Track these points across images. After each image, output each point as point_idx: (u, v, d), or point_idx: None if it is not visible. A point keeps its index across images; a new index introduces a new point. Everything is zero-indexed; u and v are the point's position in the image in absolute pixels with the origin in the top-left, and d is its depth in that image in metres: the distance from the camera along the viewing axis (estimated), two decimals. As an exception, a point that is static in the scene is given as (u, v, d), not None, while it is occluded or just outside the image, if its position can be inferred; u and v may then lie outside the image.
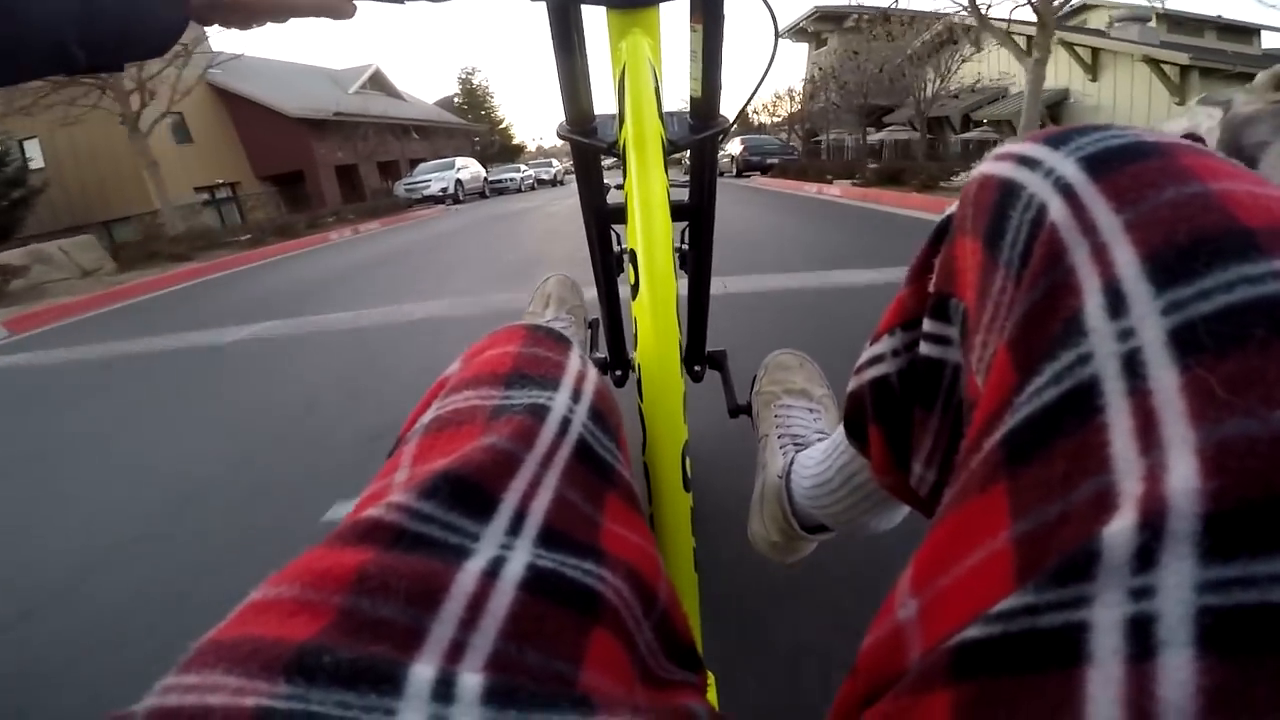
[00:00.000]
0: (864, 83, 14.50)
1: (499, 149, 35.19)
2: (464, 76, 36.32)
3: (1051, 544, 0.15)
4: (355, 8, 0.55)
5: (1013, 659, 0.14)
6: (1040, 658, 0.14)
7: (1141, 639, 0.13)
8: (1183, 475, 0.13)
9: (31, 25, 0.40)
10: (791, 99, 22.98)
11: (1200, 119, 0.99)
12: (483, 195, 17.29)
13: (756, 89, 0.77)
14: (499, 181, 19.06)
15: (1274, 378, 0.13)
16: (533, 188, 20.43)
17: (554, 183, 21.90)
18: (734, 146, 15.58)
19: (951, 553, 0.18)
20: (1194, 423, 0.14)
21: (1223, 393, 0.14)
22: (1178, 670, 0.12)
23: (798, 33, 24.63)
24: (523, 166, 22.12)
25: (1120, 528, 0.13)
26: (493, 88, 43.26)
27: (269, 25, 0.55)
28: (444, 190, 15.05)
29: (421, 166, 16.59)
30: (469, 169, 16.64)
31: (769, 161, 14.46)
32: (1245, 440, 0.13)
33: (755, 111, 24.27)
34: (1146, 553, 0.13)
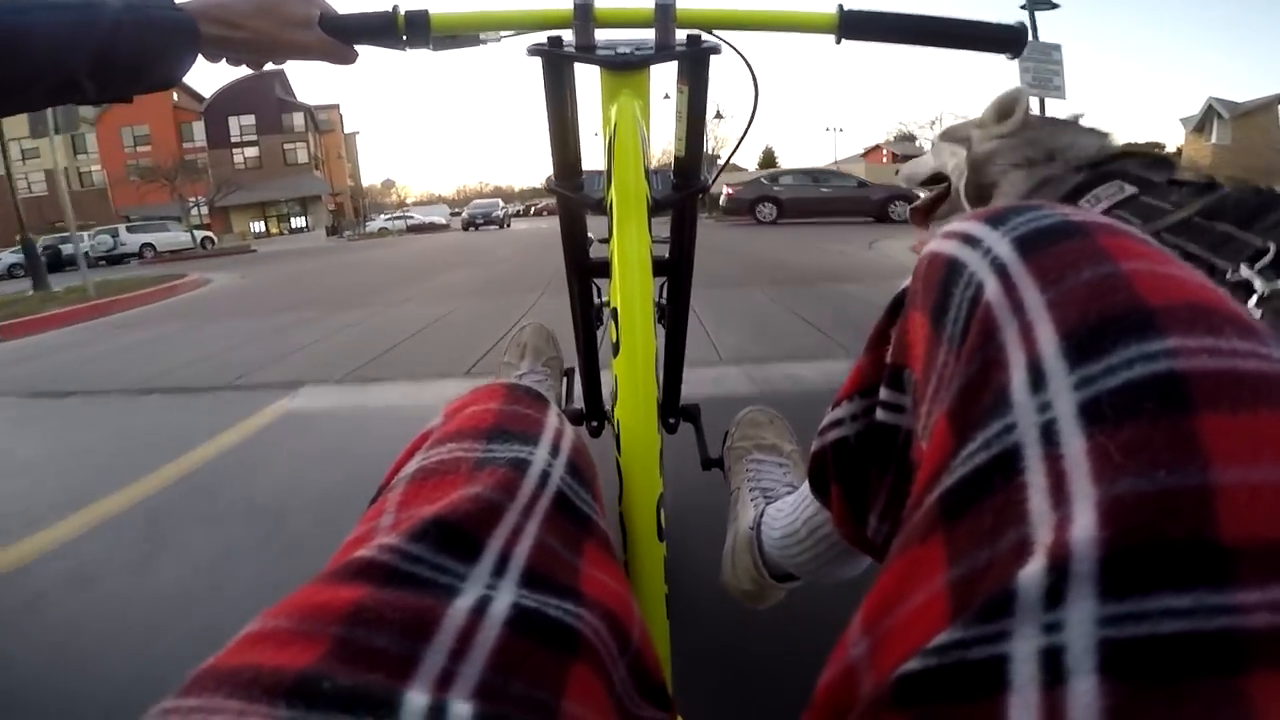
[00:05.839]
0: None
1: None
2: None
3: (980, 586, 0.17)
4: (357, 54, 0.58)
5: (946, 688, 0.16)
6: (969, 686, 0.16)
7: (1053, 668, 0.15)
8: (1084, 525, 0.16)
9: (40, 59, 0.42)
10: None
11: (945, 157, 0.99)
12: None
13: (736, 147, 0.81)
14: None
15: (1160, 444, 0.16)
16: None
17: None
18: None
19: (896, 596, 0.20)
20: (1095, 482, 0.16)
21: (1118, 457, 0.16)
22: (1084, 695, 0.14)
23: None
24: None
25: (1033, 570, 0.16)
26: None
27: (269, 65, 0.58)
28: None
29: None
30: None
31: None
32: (1135, 495, 0.15)
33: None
34: (1055, 592, 0.15)
